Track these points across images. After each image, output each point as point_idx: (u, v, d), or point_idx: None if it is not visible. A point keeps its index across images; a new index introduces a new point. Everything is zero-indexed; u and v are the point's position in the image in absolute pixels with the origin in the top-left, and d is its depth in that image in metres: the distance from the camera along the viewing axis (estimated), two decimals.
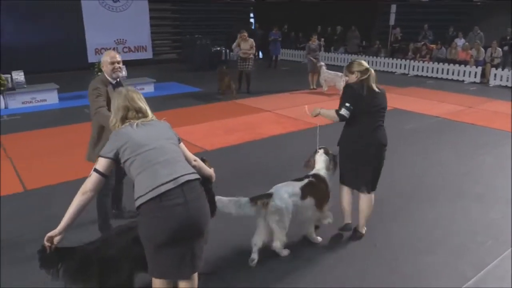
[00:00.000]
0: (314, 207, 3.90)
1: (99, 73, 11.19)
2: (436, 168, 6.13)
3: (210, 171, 3.05)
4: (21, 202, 5.12)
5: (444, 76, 14.77)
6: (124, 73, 11.88)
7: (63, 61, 15.64)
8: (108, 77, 4.07)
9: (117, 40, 17.36)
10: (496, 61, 14.51)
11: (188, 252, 2.56)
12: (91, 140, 4.10)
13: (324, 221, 4.12)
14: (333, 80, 11.64)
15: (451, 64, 14.76)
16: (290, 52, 20.15)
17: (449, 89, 12.63)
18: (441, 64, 15.00)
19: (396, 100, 10.60)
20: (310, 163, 4.21)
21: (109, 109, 3.62)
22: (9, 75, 10.38)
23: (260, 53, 21.21)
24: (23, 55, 14.61)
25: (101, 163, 2.56)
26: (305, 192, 3.82)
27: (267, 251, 3.82)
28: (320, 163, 4.13)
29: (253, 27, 23.39)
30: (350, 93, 3.81)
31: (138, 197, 2.50)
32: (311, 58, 12.44)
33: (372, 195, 4.11)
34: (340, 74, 11.36)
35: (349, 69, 3.91)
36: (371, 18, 20.32)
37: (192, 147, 6.79)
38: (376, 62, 16.60)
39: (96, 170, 2.56)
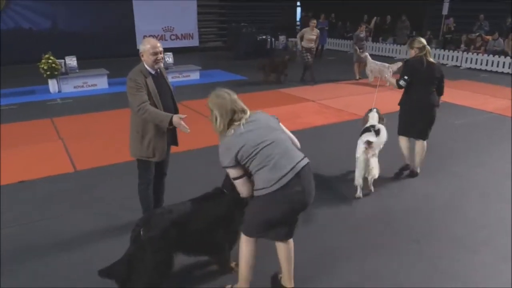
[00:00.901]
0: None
1: None
2: (487, 166, 5.87)
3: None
4: (71, 182, 5.36)
5: (500, 69, 14.03)
6: (171, 60, 12.12)
7: (113, 47, 16.15)
8: (148, 68, 3.66)
9: (165, 27, 17.68)
10: None
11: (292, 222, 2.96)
12: (133, 136, 3.78)
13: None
14: (379, 71, 11.33)
15: (508, 57, 13.99)
16: (337, 41, 19.79)
17: (504, 84, 11.99)
18: (496, 56, 14.25)
19: (446, 93, 10.07)
20: (365, 120, 5.42)
21: (152, 103, 3.58)
22: (62, 60, 10.82)
23: None
24: (76, 41, 15.22)
25: (233, 172, 2.79)
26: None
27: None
28: (374, 118, 5.32)
29: (299, 16, 23.18)
30: (408, 68, 5.06)
31: (261, 189, 2.74)
32: (356, 48, 12.18)
33: (425, 142, 5.29)
34: (386, 65, 11.06)
35: (410, 45, 5.07)
36: (423, 7, 19.55)
37: None
38: None
39: (236, 178, 2.81)
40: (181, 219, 3.01)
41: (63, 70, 10.75)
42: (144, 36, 16.98)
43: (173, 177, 4.56)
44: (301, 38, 11.47)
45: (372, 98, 6.38)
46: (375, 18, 17.45)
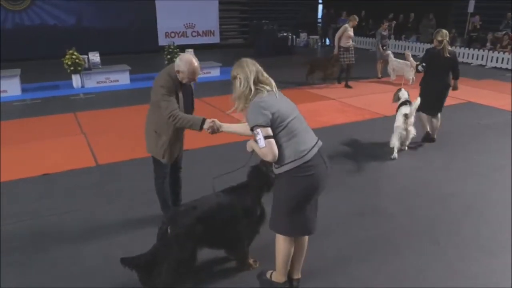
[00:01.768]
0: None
1: (168, 56, 11.69)
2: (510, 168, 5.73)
3: None
4: (93, 176, 5.45)
5: None
6: None
7: (135, 43, 16.35)
8: (180, 80, 3.72)
9: (186, 24, 17.79)
10: None
11: (314, 209, 3.01)
12: (150, 134, 3.88)
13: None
14: (402, 69, 11.17)
15: None
16: (358, 39, 19.57)
17: None
18: None
19: (471, 93, 10.00)
20: (395, 97, 6.49)
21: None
22: (86, 56, 10.99)
23: (327, 40, 20.83)
24: (99, 37, 15.44)
25: (266, 131, 2.70)
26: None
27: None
28: (405, 95, 6.40)
29: (320, 13, 23.01)
30: (427, 56, 6.44)
31: (290, 162, 2.75)
32: (379, 46, 12.00)
33: (439, 115, 6.56)
34: (409, 63, 10.87)
35: (435, 35, 6.35)
36: (448, 4, 19.16)
37: None
38: None
39: (268, 137, 2.69)
40: (205, 215, 3.05)
41: (86, 65, 10.93)
42: (166, 33, 17.25)
43: (191, 173, 4.59)
44: (340, 38, 10.57)
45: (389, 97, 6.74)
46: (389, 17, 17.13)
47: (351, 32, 10.60)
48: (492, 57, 14.59)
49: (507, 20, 16.52)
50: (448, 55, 6.12)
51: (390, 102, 6.64)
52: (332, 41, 18.67)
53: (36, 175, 5.41)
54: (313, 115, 8.15)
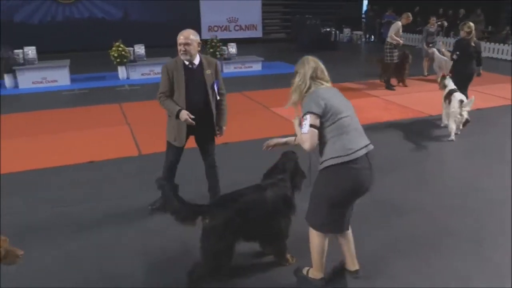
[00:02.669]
0: None
1: (211, 49, 11.82)
2: None
3: None
4: (136, 165, 5.58)
5: None
6: (234, 50, 12.24)
7: None
8: (182, 59, 3.82)
9: (229, 18, 17.92)
10: None
11: (350, 209, 3.03)
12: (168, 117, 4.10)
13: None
14: (448, 67, 10.75)
15: None
16: (406, 35, 18.98)
17: None
18: None
19: None
20: (441, 84, 7.09)
21: (176, 93, 3.85)
22: (131, 48, 11.27)
23: (372, 37, 20.41)
24: (144, 30, 15.80)
25: (313, 119, 2.74)
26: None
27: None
28: (451, 83, 6.93)
29: (365, 8, 22.57)
30: (458, 45, 7.21)
31: (335, 157, 2.75)
32: (425, 43, 11.60)
33: (467, 92, 7.12)
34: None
35: (462, 27, 7.19)
36: (499, 1, 18.28)
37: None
38: (503, 50, 14.88)
39: (313, 126, 2.73)
40: (244, 207, 3.05)
41: (131, 57, 11.21)
42: (209, 27, 17.45)
43: (230, 167, 4.61)
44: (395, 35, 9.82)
45: (440, 95, 7.06)
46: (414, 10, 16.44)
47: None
48: None
49: None
50: (473, 45, 7.06)
51: (436, 101, 6.50)
52: (379, 37, 18.30)
53: (83, 162, 5.60)
54: (356, 112, 7.99)
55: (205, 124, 3.99)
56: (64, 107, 8.44)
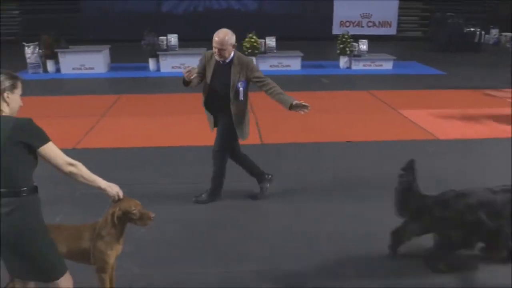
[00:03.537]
0: None
1: (341, 45, 11.64)
2: None
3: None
4: (257, 153, 5.76)
5: None
6: (365, 47, 11.89)
7: (309, 30, 16.65)
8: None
9: (363, 14, 17.42)
10: None
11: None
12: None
13: None
14: None
15: None
16: None
17: None
18: None
19: None
20: None
21: (204, 81, 4.16)
22: (263, 40, 11.65)
23: None
24: (276, 22, 16.18)
25: None
26: None
27: None
28: None
29: None
30: None
31: None
32: None
33: None
34: None
35: None
36: None
37: (424, 133, 6.48)
38: None
39: None
40: (478, 204, 3.14)
41: (262, 49, 11.58)
42: (341, 22, 17.15)
43: (352, 165, 4.48)
44: None
45: None
46: None
47: None
48: None
49: None
50: None
51: None
52: None
53: (199, 144, 5.95)
54: (498, 123, 7.23)
55: (223, 116, 4.26)
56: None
